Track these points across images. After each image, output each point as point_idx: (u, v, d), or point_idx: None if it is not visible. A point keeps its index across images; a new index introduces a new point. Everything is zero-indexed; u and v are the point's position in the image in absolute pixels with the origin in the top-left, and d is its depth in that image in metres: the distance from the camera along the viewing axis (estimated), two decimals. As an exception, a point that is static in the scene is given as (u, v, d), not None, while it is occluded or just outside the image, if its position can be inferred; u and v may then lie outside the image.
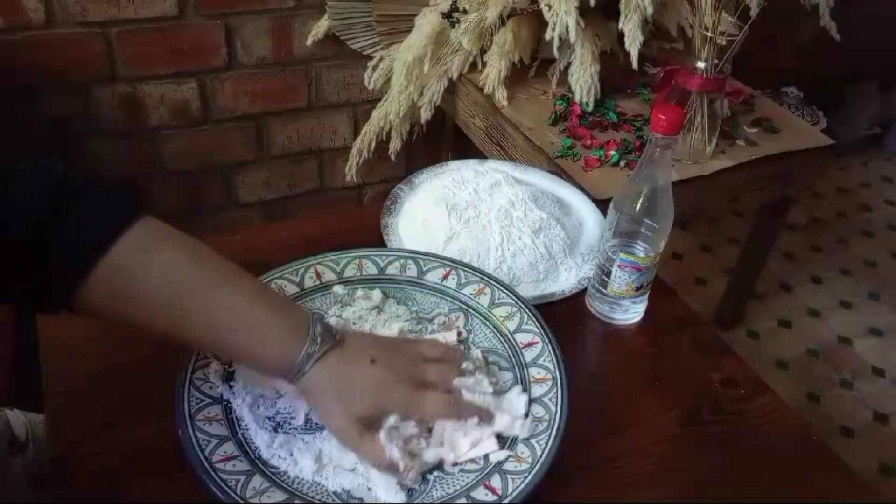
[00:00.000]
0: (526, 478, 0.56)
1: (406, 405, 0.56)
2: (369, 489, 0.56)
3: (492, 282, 0.74)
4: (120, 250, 0.50)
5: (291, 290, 0.72)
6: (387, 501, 0.55)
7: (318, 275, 0.74)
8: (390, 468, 0.55)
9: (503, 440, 0.60)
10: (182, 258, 0.54)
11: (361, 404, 0.55)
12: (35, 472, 0.78)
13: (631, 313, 0.78)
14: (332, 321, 0.62)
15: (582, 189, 0.99)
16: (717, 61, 1.14)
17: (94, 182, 0.52)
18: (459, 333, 0.70)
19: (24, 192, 0.48)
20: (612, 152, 1.22)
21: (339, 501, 0.55)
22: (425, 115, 1.45)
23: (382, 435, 0.55)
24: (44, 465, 0.79)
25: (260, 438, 0.59)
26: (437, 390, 0.58)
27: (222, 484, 0.53)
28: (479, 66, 1.40)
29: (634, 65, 1.21)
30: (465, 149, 1.58)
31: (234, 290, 0.55)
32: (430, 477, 0.58)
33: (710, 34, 1.11)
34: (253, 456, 0.58)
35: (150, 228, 0.53)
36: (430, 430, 0.58)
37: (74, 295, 0.50)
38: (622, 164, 1.21)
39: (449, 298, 0.74)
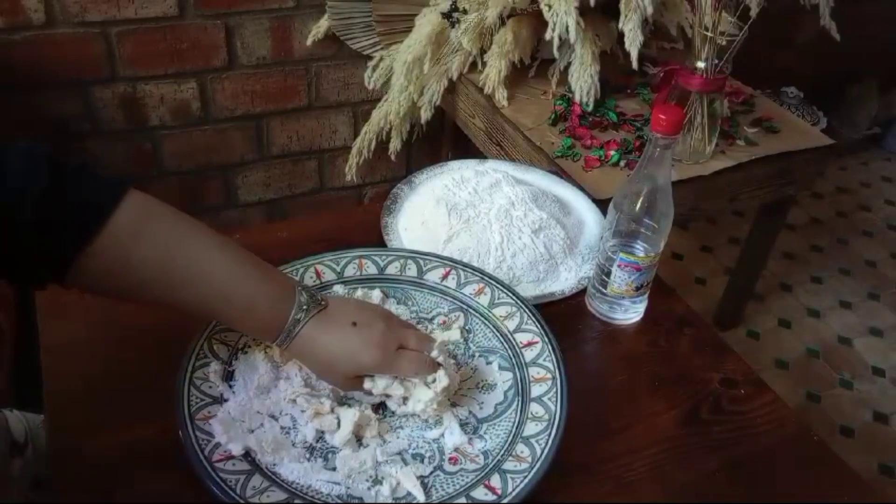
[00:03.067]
0: (526, 477, 0.56)
1: (382, 364, 0.60)
2: (397, 483, 0.57)
3: (492, 282, 0.74)
4: (116, 223, 0.52)
5: (291, 289, 0.72)
6: (388, 502, 0.56)
7: (318, 275, 0.74)
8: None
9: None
10: (174, 228, 0.56)
11: (344, 367, 0.60)
12: (35, 474, 0.78)
13: (631, 313, 0.78)
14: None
15: (582, 189, 0.99)
16: (717, 61, 1.14)
17: (78, 162, 0.54)
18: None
19: (16, 175, 0.50)
20: (612, 152, 1.22)
21: (339, 502, 0.55)
22: (425, 115, 1.45)
23: (366, 384, 0.61)
24: (44, 467, 0.79)
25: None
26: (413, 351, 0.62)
27: (222, 483, 0.53)
28: (479, 66, 1.40)
29: (634, 65, 1.21)
30: (465, 149, 1.58)
31: (226, 259, 0.57)
32: (430, 477, 0.58)
33: (710, 34, 1.11)
34: (253, 455, 0.58)
35: (140, 200, 0.55)
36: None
37: (70, 270, 0.52)
38: (622, 164, 1.21)
39: (449, 298, 0.74)
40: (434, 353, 0.62)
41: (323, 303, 0.60)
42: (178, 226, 0.56)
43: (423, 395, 0.61)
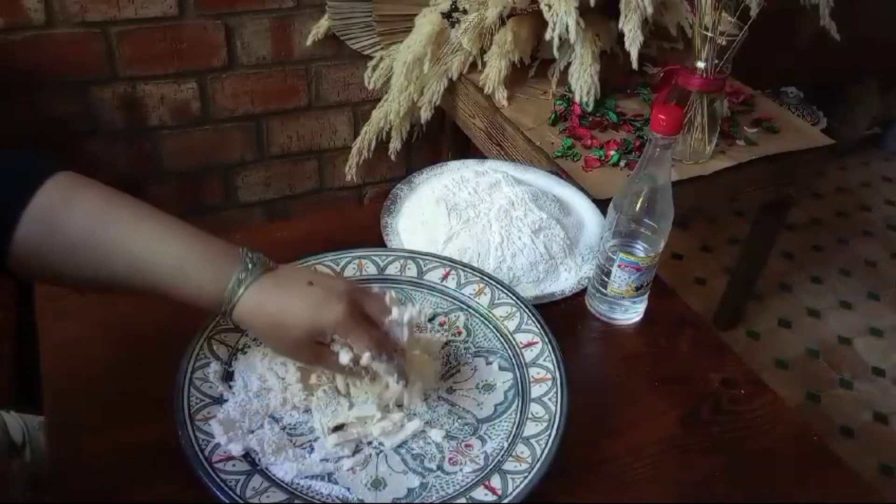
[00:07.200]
0: (526, 478, 0.56)
1: (343, 326, 0.54)
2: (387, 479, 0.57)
3: (492, 282, 0.74)
4: (41, 199, 0.51)
5: (291, 290, 0.72)
6: (388, 502, 0.56)
7: (317, 275, 0.74)
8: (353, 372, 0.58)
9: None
10: (102, 199, 0.54)
11: (301, 327, 0.54)
12: (33, 475, 0.78)
13: (631, 313, 0.78)
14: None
15: (582, 189, 0.99)
16: (717, 61, 1.14)
17: (6, 150, 0.53)
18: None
19: None
20: (612, 152, 1.22)
21: (338, 502, 0.55)
22: (425, 115, 1.45)
23: (335, 347, 0.57)
24: (42, 468, 0.79)
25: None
26: (371, 325, 0.57)
27: (222, 484, 0.53)
28: (479, 66, 1.40)
29: (634, 65, 1.21)
30: (465, 149, 1.58)
31: (158, 223, 0.55)
32: (430, 477, 0.58)
33: (710, 34, 1.11)
34: (252, 456, 0.58)
35: (68, 178, 0.54)
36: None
37: (5, 253, 0.51)
38: (622, 164, 1.21)
39: (449, 298, 0.74)
40: (405, 316, 0.58)
41: (272, 265, 0.56)
42: (109, 193, 0.55)
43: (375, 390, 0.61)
